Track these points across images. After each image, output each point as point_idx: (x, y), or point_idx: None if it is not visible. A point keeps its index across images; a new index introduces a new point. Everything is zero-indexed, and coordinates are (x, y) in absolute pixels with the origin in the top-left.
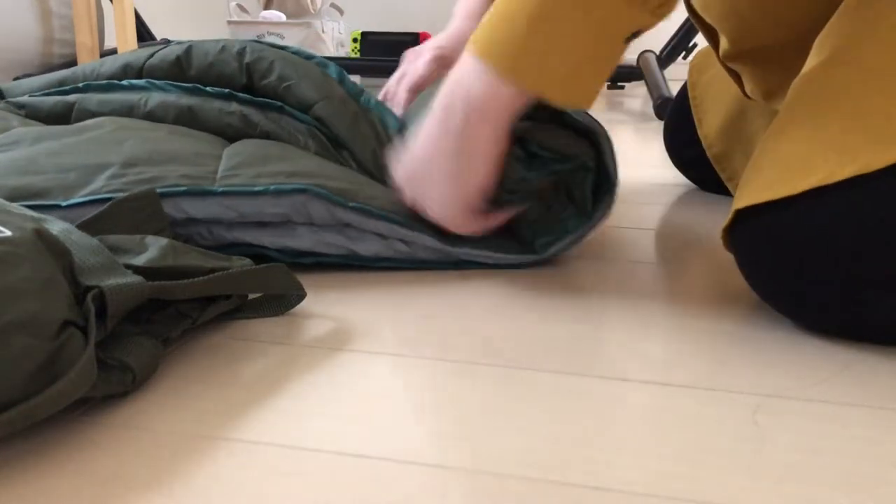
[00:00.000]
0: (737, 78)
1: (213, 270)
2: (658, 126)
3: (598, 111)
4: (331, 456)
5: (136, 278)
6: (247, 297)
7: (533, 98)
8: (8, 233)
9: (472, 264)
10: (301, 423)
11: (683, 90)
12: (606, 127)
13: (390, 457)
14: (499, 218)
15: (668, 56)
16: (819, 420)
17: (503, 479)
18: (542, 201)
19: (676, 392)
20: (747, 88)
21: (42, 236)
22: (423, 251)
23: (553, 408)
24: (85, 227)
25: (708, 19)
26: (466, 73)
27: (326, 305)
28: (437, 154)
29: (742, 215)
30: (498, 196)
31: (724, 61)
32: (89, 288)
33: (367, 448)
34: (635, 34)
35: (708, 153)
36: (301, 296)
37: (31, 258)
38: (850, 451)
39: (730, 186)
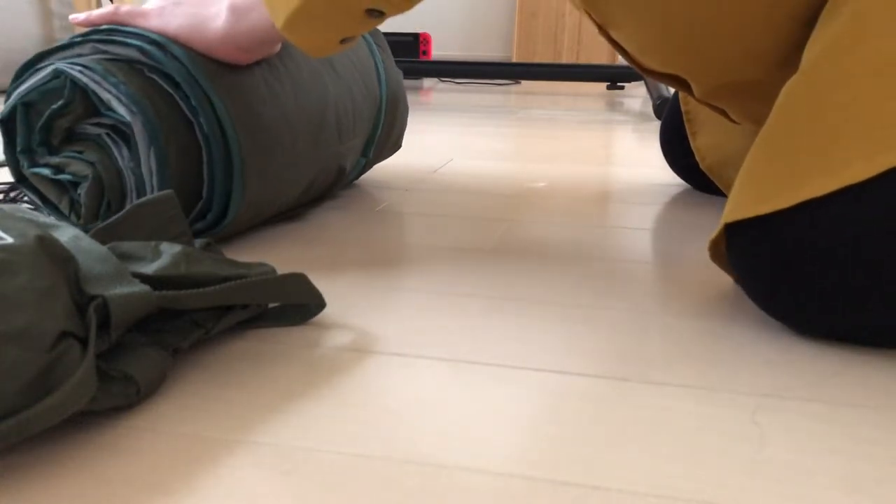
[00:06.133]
0: (720, 111)
1: (227, 279)
2: (657, 126)
3: (599, 111)
4: (331, 456)
5: (143, 287)
6: (266, 306)
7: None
8: (9, 240)
9: None
10: (303, 425)
11: (676, 98)
12: (606, 126)
13: (390, 456)
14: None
15: None
16: (819, 420)
17: (503, 478)
18: None
19: (676, 392)
20: (734, 118)
21: (45, 244)
22: None
23: (553, 408)
24: (101, 232)
25: (673, 71)
26: None
27: (341, 312)
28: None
29: (734, 228)
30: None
31: (703, 100)
32: (93, 297)
33: (368, 448)
34: (379, 13)
35: (701, 165)
36: (321, 305)
37: (31, 267)
38: (849, 451)
39: (728, 193)
